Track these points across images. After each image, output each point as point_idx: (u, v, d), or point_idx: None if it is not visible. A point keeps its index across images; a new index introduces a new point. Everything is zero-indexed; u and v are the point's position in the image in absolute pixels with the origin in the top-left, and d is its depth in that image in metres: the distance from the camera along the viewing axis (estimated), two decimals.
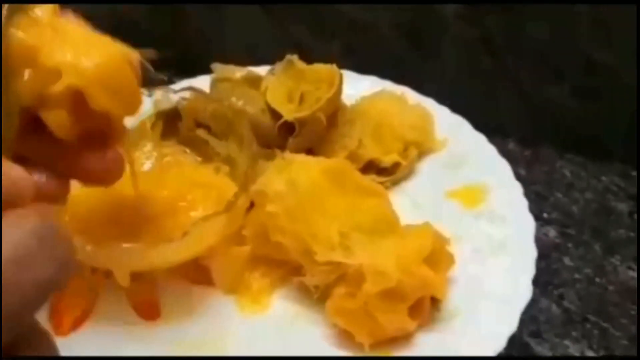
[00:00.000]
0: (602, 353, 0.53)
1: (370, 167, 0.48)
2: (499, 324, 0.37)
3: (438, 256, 0.39)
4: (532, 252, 0.41)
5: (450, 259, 0.39)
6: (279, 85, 0.47)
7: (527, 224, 0.43)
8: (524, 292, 0.39)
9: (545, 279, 0.57)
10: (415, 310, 0.38)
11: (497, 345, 0.36)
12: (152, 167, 0.45)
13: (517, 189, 0.46)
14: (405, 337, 0.38)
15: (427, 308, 0.38)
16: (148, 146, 0.45)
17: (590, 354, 0.53)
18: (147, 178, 0.43)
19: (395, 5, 0.69)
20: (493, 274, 0.40)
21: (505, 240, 0.42)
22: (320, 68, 0.49)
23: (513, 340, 0.53)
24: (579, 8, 0.62)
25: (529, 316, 0.55)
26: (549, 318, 0.55)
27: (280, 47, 0.56)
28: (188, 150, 0.46)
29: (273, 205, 0.40)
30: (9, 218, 0.18)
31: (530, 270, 0.40)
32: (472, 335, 0.38)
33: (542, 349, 0.53)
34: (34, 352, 0.19)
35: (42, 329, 0.20)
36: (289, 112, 0.46)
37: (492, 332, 0.37)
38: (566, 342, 0.53)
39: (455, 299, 0.39)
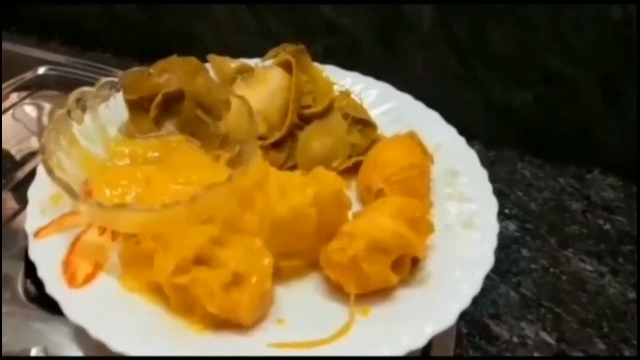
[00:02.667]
0: (555, 335, 0.57)
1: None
2: (467, 285, 0.43)
3: (420, 222, 0.44)
4: (494, 227, 0.46)
5: (430, 226, 0.44)
6: (272, 96, 0.51)
7: (491, 204, 0.48)
8: (488, 260, 0.44)
9: (504, 268, 0.62)
10: (398, 266, 0.42)
11: (463, 303, 0.41)
12: (157, 158, 0.48)
13: (483, 174, 0.51)
14: (387, 291, 0.43)
15: (408, 265, 0.43)
16: (152, 140, 0.49)
17: (543, 335, 0.57)
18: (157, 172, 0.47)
19: (371, 9, 0.73)
20: (462, 245, 0.46)
21: (472, 217, 0.47)
22: (318, 77, 0.54)
23: (474, 320, 0.58)
24: (542, 22, 0.67)
25: (489, 300, 0.60)
26: (507, 302, 0.60)
27: (262, 47, 0.60)
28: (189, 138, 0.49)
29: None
30: None
31: (492, 242, 0.45)
32: (444, 293, 0.43)
33: (500, 330, 0.57)
34: None
35: None
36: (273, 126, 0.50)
37: (461, 291, 0.42)
38: (522, 324, 0.58)
39: (432, 262, 0.45)
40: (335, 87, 0.56)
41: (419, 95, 0.62)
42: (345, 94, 0.55)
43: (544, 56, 0.70)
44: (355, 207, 0.48)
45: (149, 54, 0.56)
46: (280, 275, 0.43)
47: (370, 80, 0.60)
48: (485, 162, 0.71)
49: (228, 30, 0.81)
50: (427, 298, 0.42)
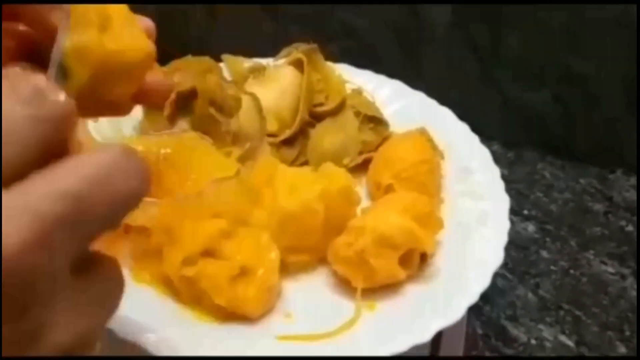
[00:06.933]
0: (574, 338, 0.56)
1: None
2: (475, 280, 0.42)
3: (429, 218, 0.44)
4: (505, 224, 0.46)
5: (439, 222, 0.44)
6: (282, 93, 0.51)
7: (503, 201, 0.48)
8: (497, 256, 0.44)
9: (522, 269, 0.61)
10: (406, 261, 0.42)
11: (471, 299, 0.41)
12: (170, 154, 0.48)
13: (495, 172, 0.51)
14: (394, 286, 0.43)
15: (416, 260, 0.43)
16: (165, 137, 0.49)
17: (562, 338, 0.56)
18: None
19: (388, 11, 0.73)
20: (473, 242, 0.45)
21: (483, 214, 0.47)
22: (331, 75, 0.54)
23: (490, 321, 0.57)
24: (559, 21, 0.67)
25: (506, 301, 0.59)
26: (525, 304, 0.59)
27: (279, 50, 0.60)
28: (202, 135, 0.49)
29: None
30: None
31: (503, 238, 0.45)
32: (451, 288, 0.42)
33: (517, 332, 0.56)
34: (104, 276, 0.20)
35: (108, 255, 0.20)
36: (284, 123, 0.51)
37: (469, 287, 0.42)
38: (540, 326, 0.57)
39: (442, 258, 0.44)
40: (348, 85, 0.56)
41: (436, 97, 0.62)
42: (358, 92, 0.55)
43: (563, 55, 0.69)
44: (365, 203, 0.48)
45: (165, 54, 0.57)
46: (288, 270, 0.43)
47: (382, 78, 0.60)
48: (505, 163, 0.70)
49: (245, 32, 0.82)
50: (434, 293, 0.42)
